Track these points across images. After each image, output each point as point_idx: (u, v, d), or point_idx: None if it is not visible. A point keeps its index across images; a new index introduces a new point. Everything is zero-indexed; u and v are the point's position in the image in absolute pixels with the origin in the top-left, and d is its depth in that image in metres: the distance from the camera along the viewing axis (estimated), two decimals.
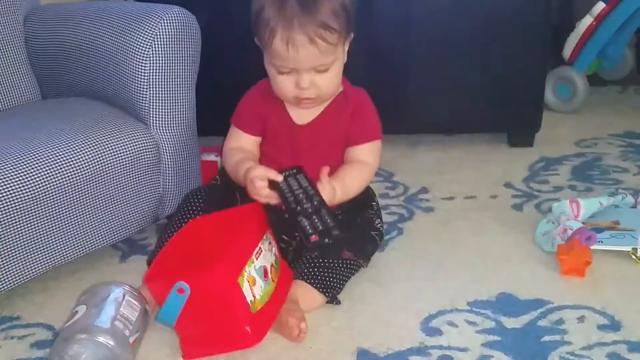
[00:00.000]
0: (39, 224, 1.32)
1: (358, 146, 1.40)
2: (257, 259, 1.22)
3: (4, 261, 1.29)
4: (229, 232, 1.25)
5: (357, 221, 1.43)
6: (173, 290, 1.15)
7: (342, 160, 1.41)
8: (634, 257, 1.42)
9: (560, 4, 2.66)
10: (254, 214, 1.30)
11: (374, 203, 1.49)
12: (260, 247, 1.24)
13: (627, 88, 2.45)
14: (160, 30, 1.48)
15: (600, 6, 2.16)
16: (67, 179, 1.34)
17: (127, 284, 1.24)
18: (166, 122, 1.53)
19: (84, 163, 1.37)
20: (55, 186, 1.33)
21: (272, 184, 1.28)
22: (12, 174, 1.28)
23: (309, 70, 1.29)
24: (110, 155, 1.42)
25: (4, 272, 1.30)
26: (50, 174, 1.32)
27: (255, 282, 1.21)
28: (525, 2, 1.86)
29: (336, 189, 1.31)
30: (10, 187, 1.27)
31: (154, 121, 1.52)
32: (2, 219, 1.26)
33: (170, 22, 1.49)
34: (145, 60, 1.48)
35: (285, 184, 1.28)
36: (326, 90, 1.34)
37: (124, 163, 1.44)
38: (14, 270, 1.31)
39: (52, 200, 1.33)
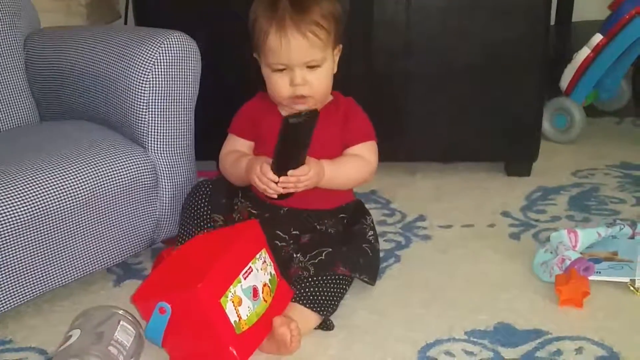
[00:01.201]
0: (34, 247, 1.32)
1: (355, 145, 1.45)
2: (245, 278, 1.21)
3: None
4: (218, 251, 1.24)
5: (350, 232, 1.45)
6: (155, 310, 1.16)
7: None
8: (632, 288, 1.42)
9: (557, 35, 2.69)
10: (248, 231, 1.29)
11: (368, 217, 1.51)
12: (250, 266, 1.23)
13: (624, 119, 2.46)
14: (160, 55, 1.49)
15: (597, 38, 2.17)
16: (63, 201, 1.34)
17: (121, 308, 1.24)
18: (164, 146, 1.53)
19: (81, 186, 1.37)
20: (52, 209, 1.32)
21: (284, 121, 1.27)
22: (9, 196, 1.27)
23: (301, 67, 1.37)
24: (107, 178, 1.41)
25: None
26: (47, 197, 1.32)
27: (241, 302, 1.19)
28: (523, 32, 1.87)
29: (324, 165, 1.37)
30: (6, 209, 1.27)
31: (152, 145, 1.52)
32: None
33: (170, 47, 1.50)
34: (145, 84, 1.49)
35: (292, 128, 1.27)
36: (318, 88, 1.39)
37: (121, 186, 1.44)
38: (8, 293, 1.30)
39: (47, 223, 1.32)
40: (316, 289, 1.32)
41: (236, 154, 1.47)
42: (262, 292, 1.24)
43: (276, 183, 1.32)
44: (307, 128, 1.28)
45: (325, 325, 1.33)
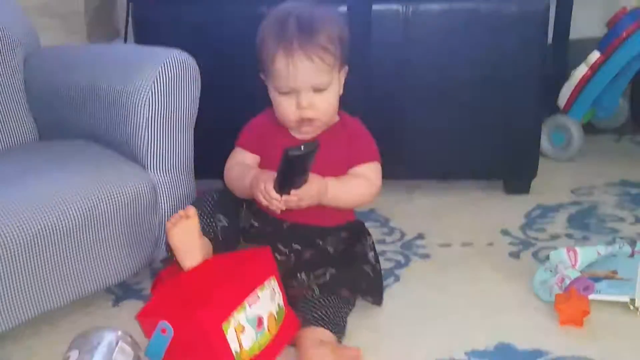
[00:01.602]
0: (33, 267, 1.31)
1: (359, 165, 1.45)
2: (250, 306, 1.20)
3: None
4: (226, 275, 1.24)
5: (351, 252, 1.45)
6: (157, 329, 1.15)
7: None
8: (632, 307, 1.41)
9: (555, 52, 2.70)
10: (258, 258, 1.29)
11: (369, 237, 1.52)
12: (257, 295, 1.22)
13: (622, 137, 2.47)
14: (160, 74, 1.49)
15: (595, 55, 2.18)
16: (62, 221, 1.34)
17: (120, 329, 1.23)
18: (164, 165, 1.53)
19: (80, 205, 1.37)
20: (50, 228, 1.32)
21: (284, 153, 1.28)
22: (7, 216, 1.27)
23: (307, 90, 1.37)
24: (106, 197, 1.41)
25: None
26: (45, 217, 1.31)
27: (244, 330, 1.18)
28: (521, 50, 1.87)
29: (328, 184, 1.37)
30: (5, 229, 1.26)
31: (152, 163, 1.52)
32: None
33: (170, 65, 1.50)
34: (144, 102, 1.49)
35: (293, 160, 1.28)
36: (324, 111, 1.41)
37: (121, 206, 1.44)
38: (6, 313, 1.30)
39: (46, 243, 1.32)
40: (326, 309, 1.33)
41: (242, 166, 1.47)
42: (267, 322, 1.23)
43: (279, 200, 1.33)
44: (307, 158, 1.28)
45: (340, 337, 1.33)
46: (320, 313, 1.32)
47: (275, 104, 1.43)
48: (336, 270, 1.37)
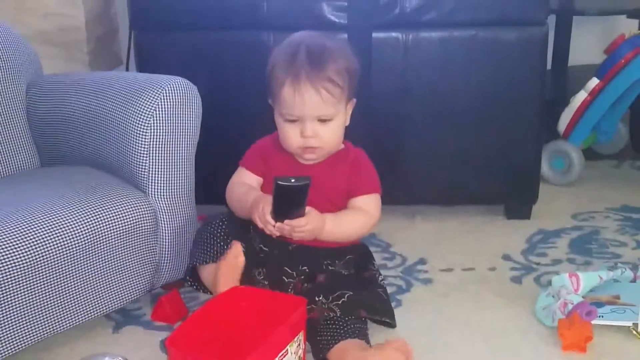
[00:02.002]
0: (32, 294, 1.31)
1: (358, 197, 1.47)
2: None
3: None
4: (265, 321, 1.24)
5: (362, 277, 1.47)
6: None
7: None
8: (634, 332, 1.40)
9: (554, 79, 2.72)
10: (294, 309, 1.27)
11: (374, 262, 1.54)
12: (287, 349, 1.22)
13: (622, 162, 2.47)
14: (162, 101, 1.50)
15: (594, 82, 2.19)
16: (62, 247, 1.33)
17: (120, 355, 1.22)
18: (165, 191, 1.53)
19: (81, 231, 1.37)
20: (51, 255, 1.32)
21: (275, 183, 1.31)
22: (7, 242, 1.27)
23: (312, 120, 1.40)
24: (107, 223, 1.41)
25: None
26: (46, 243, 1.31)
27: None
28: (521, 76, 1.88)
29: (326, 220, 1.39)
30: (4, 255, 1.26)
31: (153, 190, 1.52)
32: None
33: (171, 93, 1.51)
34: (146, 129, 1.50)
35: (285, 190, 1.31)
36: (328, 141, 1.43)
37: (121, 231, 1.44)
38: (5, 340, 1.29)
39: (46, 269, 1.32)
40: (350, 326, 1.34)
41: (245, 187, 1.49)
42: None
43: (274, 226, 1.36)
44: (297, 192, 1.31)
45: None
46: (352, 327, 1.34)
47: (280, 130, 1.45)
48: (353, 292, 1.38)
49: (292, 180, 1.30)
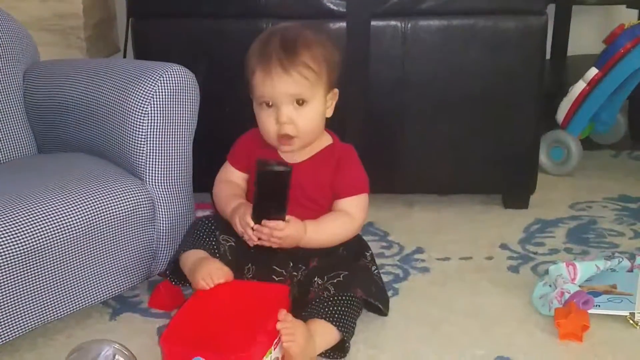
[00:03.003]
0: (29, 280, 1.31)
1: (343, 199, 1.44)
2: (275, 349, 1.20)
3: None
4: (254, 310, 1.23)
5: (357, 264, 1.46)
6: None
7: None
8: (631, 321, 1.41)
9: (553, 69, 2.71)
10: (279, 297, 1.27)
11: (369, 253, 1.51)
12: (279, 337, 1.22)
13: (620, 152, 2.47)
14: (159, 88, 1.49)
15: (593, 72, 2.19)
16: (59, 234, 1.33)
17: (117, 342, 1.22)
18: (162, 179, 1.53)
19: (78, 218, 1.36)
20: (48, 242, 1.32)
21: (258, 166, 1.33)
22: (4, 229, 1.27)
23: (287, 104, 1.37)
24: (104, 210, 1.41)
25: None
26: (43, 230, 1.31)
27: None
28: (519, 66, 1.88)
29: (307, 226, 1.37)
30: (1, 242, 1.26)
31: (150, 177, 1.52)
32: None
33: (168, 80, 1.50)
34: (143, 116, 1.49)
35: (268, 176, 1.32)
36: (304, 128, 1.39)
37: (119, 219, 1.43)
38: (2, 326, 1.29)
39: (43, 256, 1.31)
40: (337, 307, 1.32)
41: (229, 190, 1.47)
42: None
43: (253, 229, 1.34)
44: (277, 179, 1.31)
45: (343, 349, 1.32)
46: (331, 309, 1.31)
47: (258, 119, 1.43)
48: (348, 272, 1.38)
49: (274, 166, 1.31)
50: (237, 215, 1.38)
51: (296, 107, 1.38)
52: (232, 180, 1.50)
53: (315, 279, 1.38)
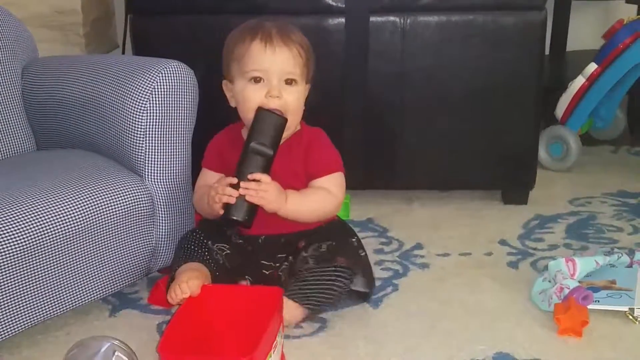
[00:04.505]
0: (29, 277, 1.30)
1: (319, 178, 1.45)
2: (274, 352, 1.20)
3: None
4: (249, 314, 1.23)
5: (344, 239, 1.48)
6: None
7: None
8: (630, 317, 1.41)
9: (552, 64, 2.71)
10: (273, 299, 1.27)
11: (354, 239, 1.51)
12: (277, 341, 1.22)
13: (619, 148, 2.47)
14: (158, 84, 1.49)
15: (592, 67, 2.19)
16: (59, 230, 1.33)
17: (117, 338, 1.22)
18: (161, 175, 1.53)
19: (77, 215, 1.36)
20: (47, 238, 1.31)
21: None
22: (3, 225, 1.26)
23: (279, 80, 1.39)
24: (103, 207, 1.41)
25: None
26: (42, 226, 1.31)
27: None
28: (518, 62, 1.88)
29: (288, 195, 1.38)
30: (1, 238, 1.25)
31: (149, 173, 1.52)
32: None
33: (168, 76, 1.50)
34: (142, 113, 1.49)
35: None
36: (291, 107, 1.41)
37: (118, 215, 1.43)
38: (2, 323, 1.29)
39: (43, 253, 1.31)
40: (305, 282, 1.35)
41: (204, 189, 1.47)
42: None
43: (237, 185, 1.34)
44: (273, 122, 1.34)
45: (313, 311, 1.37)
46: (297, 285, 1.35)
47: (242, 96, 1.42)
48: (334, 242, 1.40)
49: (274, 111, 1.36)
50: (214, 189, 1.37)
51: (285, 87, 1.40)
52: (207, 183, 1.49)
53: (302, 253, 1.40)
